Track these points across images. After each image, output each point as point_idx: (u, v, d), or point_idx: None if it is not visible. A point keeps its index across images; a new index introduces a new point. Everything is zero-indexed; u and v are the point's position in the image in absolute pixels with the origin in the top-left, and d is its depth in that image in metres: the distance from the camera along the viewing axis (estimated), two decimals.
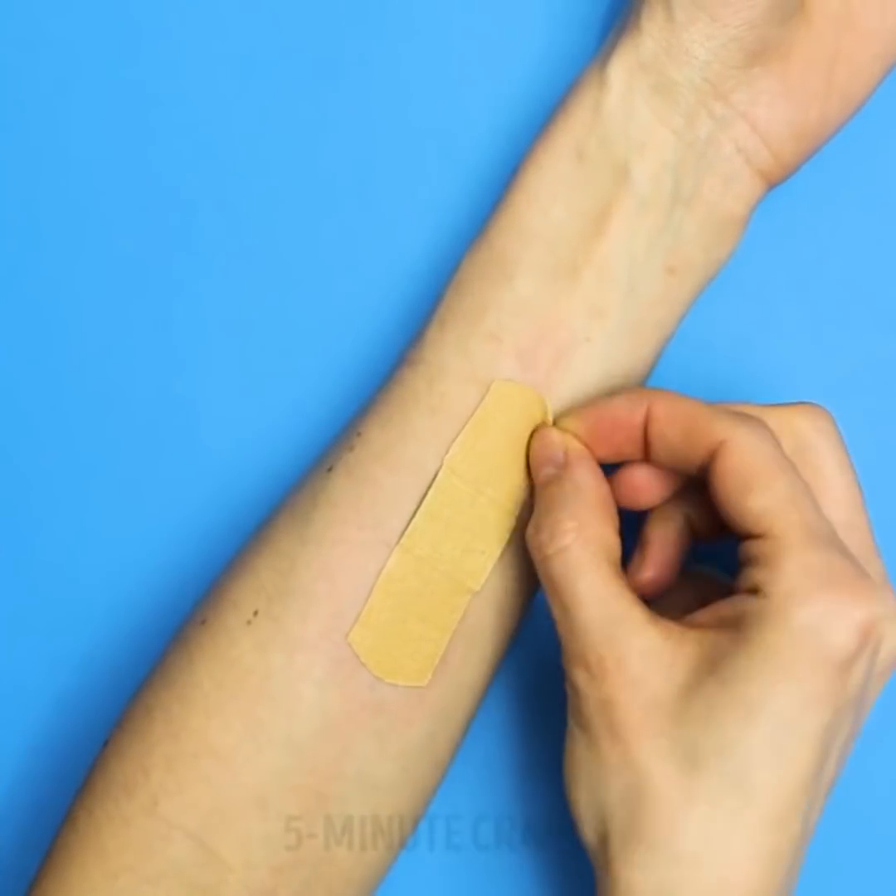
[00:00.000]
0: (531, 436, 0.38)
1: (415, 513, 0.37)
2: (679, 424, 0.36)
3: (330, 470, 0.38)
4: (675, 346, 0.41)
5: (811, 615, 0.33)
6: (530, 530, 0.37)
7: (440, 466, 0.38)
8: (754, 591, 0.34)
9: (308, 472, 0.40)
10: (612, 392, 0.38)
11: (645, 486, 0.38)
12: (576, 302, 0.38)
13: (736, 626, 0.34)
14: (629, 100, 0.37)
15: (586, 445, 0.37)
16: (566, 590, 0.35)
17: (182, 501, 0.44)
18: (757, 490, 0.34)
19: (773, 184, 0.39)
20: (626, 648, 0.34)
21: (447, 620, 0.38)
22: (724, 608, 0.34)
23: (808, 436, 0.37)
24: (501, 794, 0.43)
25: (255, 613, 0.37)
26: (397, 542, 0.37)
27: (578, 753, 0.35)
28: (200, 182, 0.44)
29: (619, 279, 0.38)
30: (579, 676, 0.35)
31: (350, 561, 0.37)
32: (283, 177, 0.43)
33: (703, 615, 0.35)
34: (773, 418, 0.37)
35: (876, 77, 0.39)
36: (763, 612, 0.33)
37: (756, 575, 0.34)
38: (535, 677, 0.43)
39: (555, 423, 0.38)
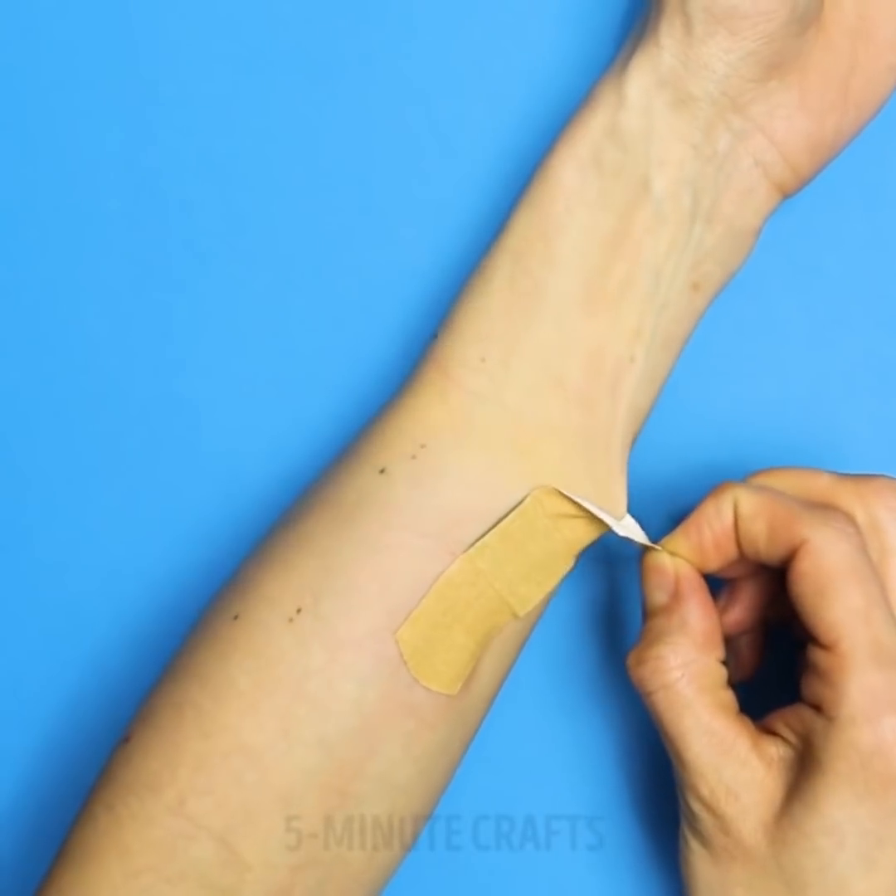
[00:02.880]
0: (643, 559, 0.38)
1: (488, 530, 0.37)
2: (764, 521, 0.36)
3: (383, 472, 0.38)
4: None
5: (876, 740, 0.34)
6: (632, 659, 0.37)
7: (528, 494, 0.38)
8: (818, 707, 0.35)
9: (342, 467, 0.39)
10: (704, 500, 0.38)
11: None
12: (614, 326, 0.38)
13: (807, 747, 0.35)
14: (647, 118, 0.37)
15: (696, 563, 0.38)
16: (673, 726, 0.36)
17: (184, 502, 0.44)
18: (830, 599, 0.35)
19: (788, 195, 0.39)
20: (733, 781, 0.36)
21: (486, 636, 0.38)
22: (792, 720, 0.36)
23: (880, 515, 0.37)
24: (501, 794, 0.43)
25: (298, 611, 0.37)
26: (463, 552, 0.37)
27: (699, 865, 0.37)
28: (201, 182, 0.43)
29: (648, 296, 0.38)
30: (694, 802, 0.37)
31: (408, 566, 0.37)
32: (288, 178, 0.43)
33: (774, 722, 0.36)
34: (847, 493, 0.37)
35: (890, 87, 0.39)
36: (830, 736, 0.35)
37: (821, 690, 0.35)
38: (538, 679, 0.43)
39: (662, 546, 0.38)
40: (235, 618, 0.38)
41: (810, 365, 0.42)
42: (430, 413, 0.39)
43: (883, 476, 0.38)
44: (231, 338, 0.44)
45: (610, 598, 0.43)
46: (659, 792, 0.43)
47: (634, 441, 0.39)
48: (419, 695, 0.37)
